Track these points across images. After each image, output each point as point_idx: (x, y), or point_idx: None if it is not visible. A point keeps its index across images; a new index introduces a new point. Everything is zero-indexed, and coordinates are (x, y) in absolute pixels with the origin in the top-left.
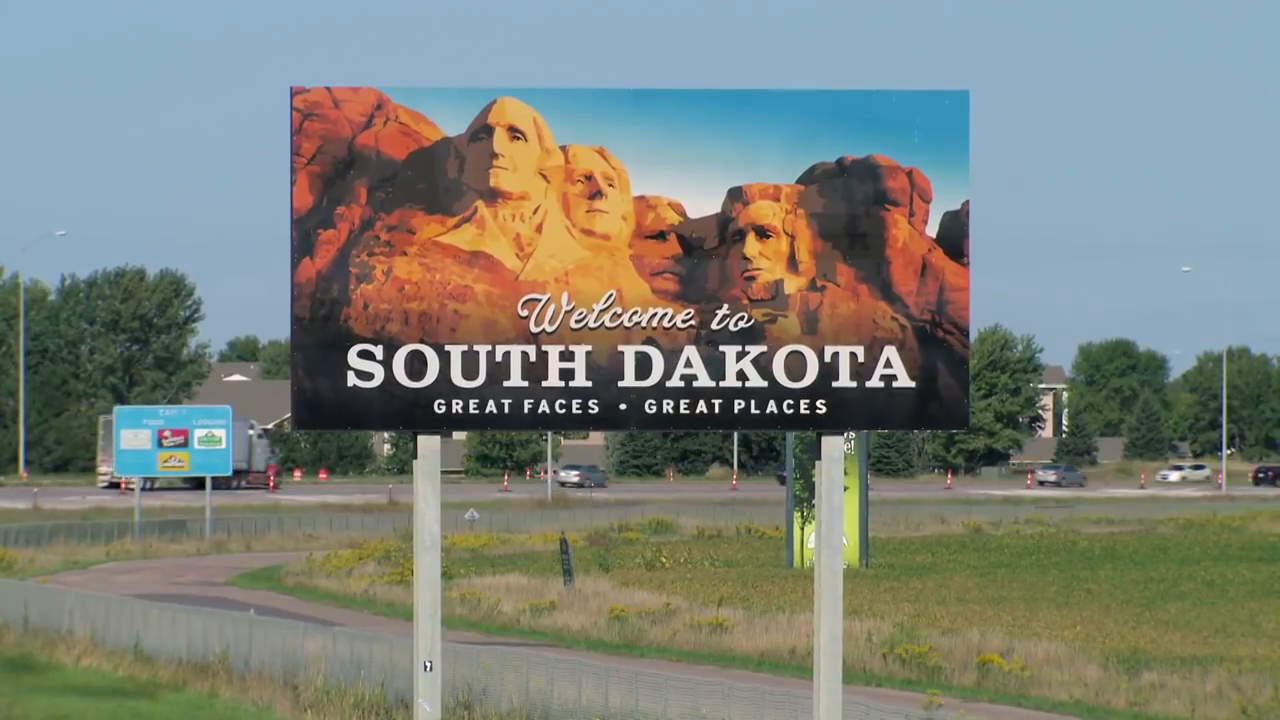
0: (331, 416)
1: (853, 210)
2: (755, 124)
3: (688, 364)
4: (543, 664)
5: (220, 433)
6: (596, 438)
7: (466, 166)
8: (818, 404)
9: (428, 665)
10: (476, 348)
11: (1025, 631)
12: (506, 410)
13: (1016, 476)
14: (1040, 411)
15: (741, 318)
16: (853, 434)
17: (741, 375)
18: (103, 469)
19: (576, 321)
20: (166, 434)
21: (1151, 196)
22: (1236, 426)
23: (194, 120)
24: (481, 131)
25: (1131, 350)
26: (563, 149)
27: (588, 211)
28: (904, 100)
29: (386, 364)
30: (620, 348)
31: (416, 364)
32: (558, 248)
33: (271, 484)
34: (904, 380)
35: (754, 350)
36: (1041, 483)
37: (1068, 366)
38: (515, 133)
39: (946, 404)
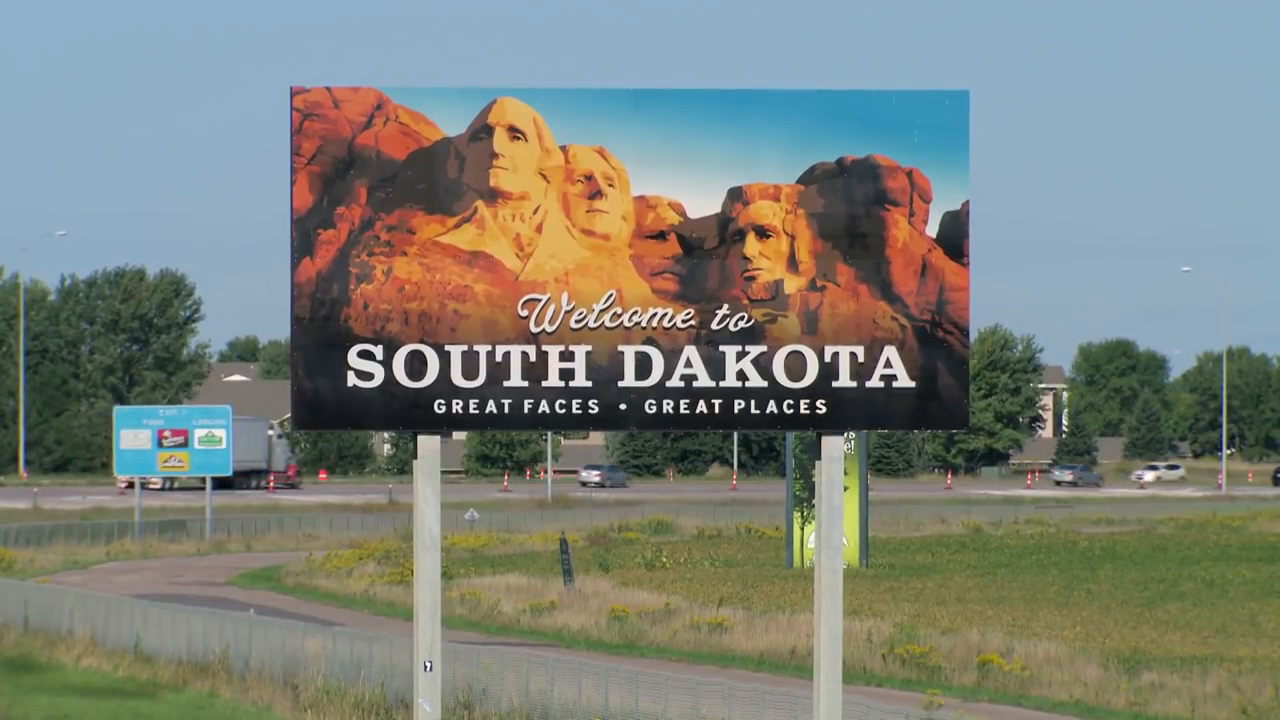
0: (331, 416)
1: (853, 210)
2: (755, 124)
3: (688, 364)
4: (543, 664)
5: (220, 433)
6: (597, 438)
7: (466, 166)
8: (818, 404)
9: (428, 665)
10: (476, 348)
11: (1025, 631)
12: (506, 410)
13: (1016, 476)
14: (1040, 411)
15: (741, 318)
16: (853, 434)
17: (741, 375)
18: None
19: (576, 321)
20: (166, 434)
21: (1151, 196)
22: (1236, 426)
23: (194, 120)
24: (481, 131)
25: (1131, 350)
26: (563, 149)
27: (588, 211)
28: (904, 100)
29: (386, 364)
30: (620, 348)
31: (416, 364)
32: (558, 248)
33: (296, 482)
34: (904, 380)
35: (754, 350)
36: (1058, 483)
37: (1068, 366)
38: (515, 133)
39: (946, 404)
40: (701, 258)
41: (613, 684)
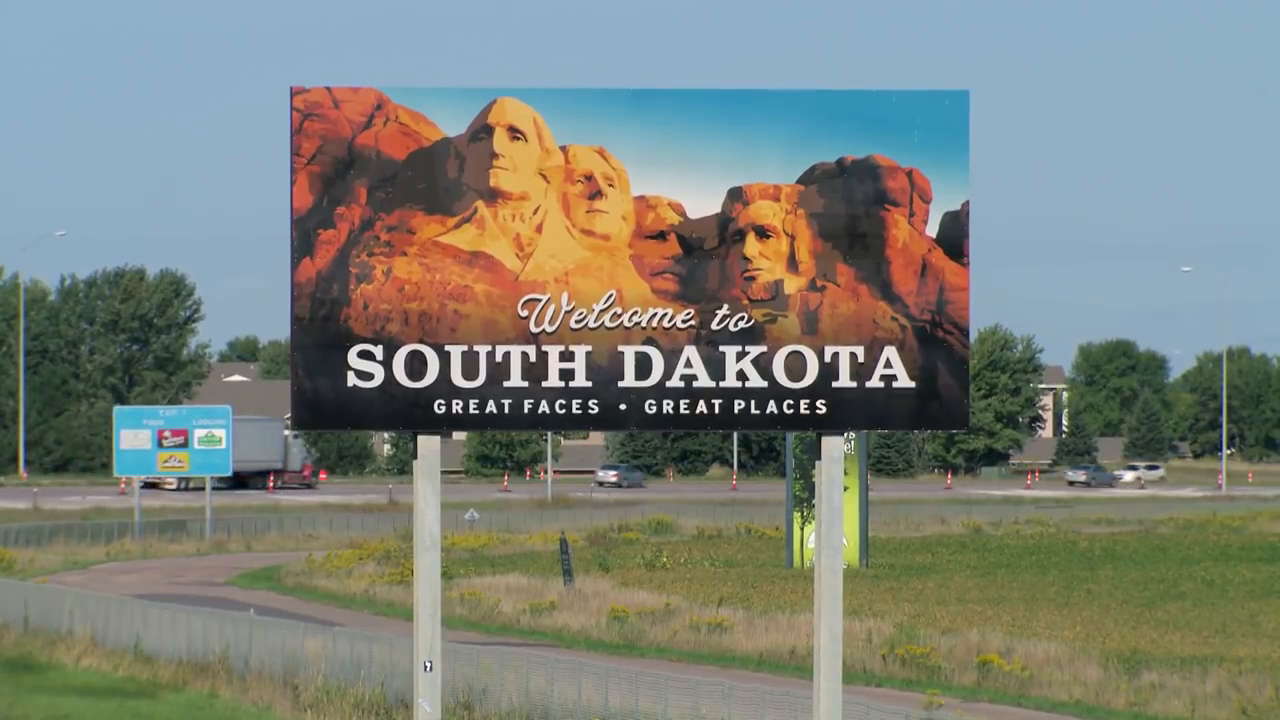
0: (331, 416)
1: (853, 210)
2: (755, 124)
3: (688, 364)
4: (543, 664)
5: (220, 433)
6: (597, 438)
7: (466, 166)
8: (818, 404)
9: (428, 665)
10: (476, 348)
11: (1025, 632)
12: (506, 410)
13: (1016, 477)
14: (1040, 411)
15: (741, 318)
16: (853, 434)
17: (741, 375)
18: None
19: (576, 322)
20: (166, 434)
21: (1151, 196)
22: (1236, 426)
23: (194, 120)
24: (481, 132)
25: (1131, 350)
26: (563, 149)
27: (588, 211)
28: (904, 100)
29: (386, 364)
30: (620, 348)
31: (416, 364)
32: (558, 248)
33: (311, 482)
34: (904, 380)
35: (754, 350)
36: (1071, 483)
37: (1068, 366)
38: (515, 133)
39: (946, 404)
40: (701, 258)
41: (613, 684)
